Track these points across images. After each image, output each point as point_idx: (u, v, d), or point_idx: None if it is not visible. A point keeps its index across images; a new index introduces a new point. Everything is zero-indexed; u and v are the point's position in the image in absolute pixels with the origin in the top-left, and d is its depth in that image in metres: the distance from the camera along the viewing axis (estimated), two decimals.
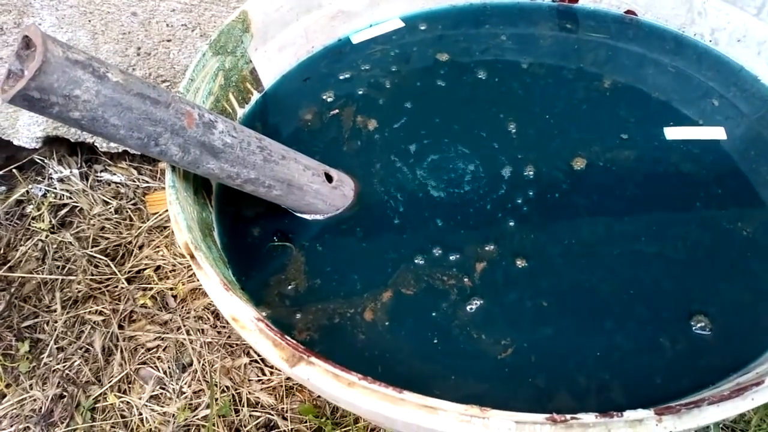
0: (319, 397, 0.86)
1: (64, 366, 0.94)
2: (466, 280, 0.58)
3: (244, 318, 0.46)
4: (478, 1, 0.85)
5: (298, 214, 0.64)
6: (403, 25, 0.83)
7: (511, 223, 0.62)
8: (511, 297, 0.57)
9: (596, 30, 0.81)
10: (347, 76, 0.78)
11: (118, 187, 1.16)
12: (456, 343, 0.54)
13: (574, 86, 0.75)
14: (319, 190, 0.62)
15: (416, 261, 0.60)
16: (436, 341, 0.54)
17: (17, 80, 0.42)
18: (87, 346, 0.96)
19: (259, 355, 0.91)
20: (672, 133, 0.69)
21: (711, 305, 0.55)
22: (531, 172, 0.66)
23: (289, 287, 0.59)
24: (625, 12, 0.82)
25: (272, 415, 0.86)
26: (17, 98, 0.41)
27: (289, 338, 0.45)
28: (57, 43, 0.42)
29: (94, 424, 0.88)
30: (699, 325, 0.54)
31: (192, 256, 0.50)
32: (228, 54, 0.68)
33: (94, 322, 0.98)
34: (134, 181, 1.16)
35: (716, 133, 0.69)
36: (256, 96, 0.74)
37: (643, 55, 0.78)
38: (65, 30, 0.95)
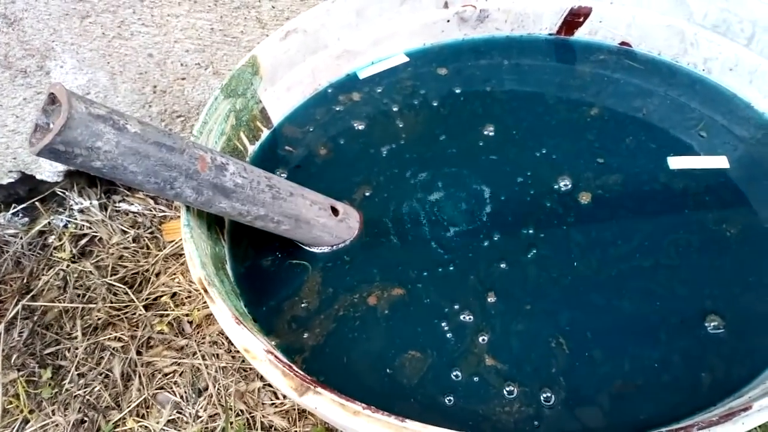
0: None
1: (84, 392, 0.97)
2: (466, 314, 0.60)
3: (256, 349, 0.49)
4: (479, 36, 0.88)
5: (306, 247, 0.66)
6: (407, 59, 0.86)
7: (516, 255, 0.64)
8: (518, 321, 0.59)
9: (592, 61, 0.84)
10: (352, 109, 0.81)
11: (135, 216, 1.20)
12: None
13: (573, 116, 0.77)
14: (325, 223, 0.64)
15: (420, 294, 0.62)
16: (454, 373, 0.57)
17: (44, 133, 0.46)
18: (107, 372, 0.99)
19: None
20: (675, 162, 0.70)
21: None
22: (536, 199, 0.68)
23: (296, 314, 0.62)
24: (619, 43, 0.84)
25: None
26: (44, 151, 0.45)
27: (297, 369, 0.47)
28: (80, 99, 0.46)
29: None
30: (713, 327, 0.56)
31: (206, 291, 0.53)
32: (239, 96, 0.71)
33: (114, 349, 1.01)
34: (151, 211, 1.20)
35: (719, 162, 0.70)
36: (265, 133, 0.77)
37: (638, 85, 0.80)
38: (85, 71, 0.99)
